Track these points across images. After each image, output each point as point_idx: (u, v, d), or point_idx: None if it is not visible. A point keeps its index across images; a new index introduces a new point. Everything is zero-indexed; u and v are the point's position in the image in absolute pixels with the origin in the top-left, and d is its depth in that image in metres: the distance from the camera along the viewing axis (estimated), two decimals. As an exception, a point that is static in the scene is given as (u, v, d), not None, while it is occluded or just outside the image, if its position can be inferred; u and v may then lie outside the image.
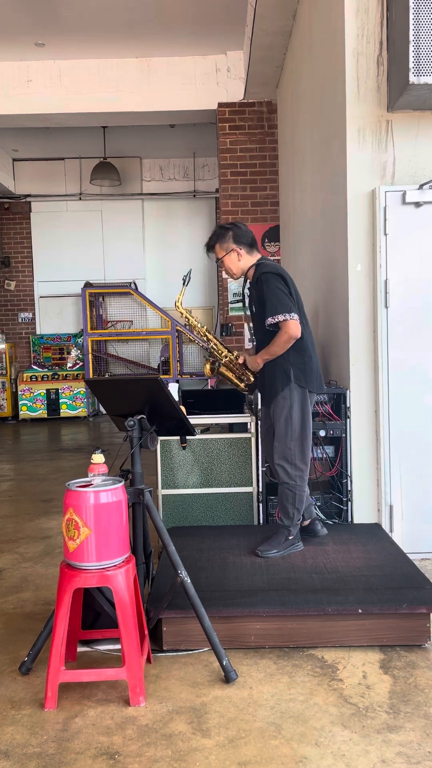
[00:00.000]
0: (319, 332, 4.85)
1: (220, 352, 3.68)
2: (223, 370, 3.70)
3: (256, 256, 3.53)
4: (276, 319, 3.28)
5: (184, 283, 3.63)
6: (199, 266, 11.87)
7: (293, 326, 3.27)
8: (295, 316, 3.28)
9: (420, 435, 3.94)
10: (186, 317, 3.73)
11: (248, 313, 3.61)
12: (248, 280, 3.57)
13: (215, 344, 3.70)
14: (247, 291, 3.62)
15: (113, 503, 2.48)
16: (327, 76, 4.46)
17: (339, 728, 2.32)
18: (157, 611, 2.82)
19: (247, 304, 3.60)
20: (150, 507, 2.81)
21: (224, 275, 8.14)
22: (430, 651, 2.85)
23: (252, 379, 3.67)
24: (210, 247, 3.59)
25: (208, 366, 3.71)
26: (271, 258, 8.12)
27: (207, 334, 3.72)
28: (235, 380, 3.72)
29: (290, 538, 3.46)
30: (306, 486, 3.52)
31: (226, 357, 3.67)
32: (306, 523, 3.62)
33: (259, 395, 3.68)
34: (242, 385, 3.72)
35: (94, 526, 2.44)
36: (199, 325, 3.71)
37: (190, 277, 3.61)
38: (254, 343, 3.61)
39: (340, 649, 2.87)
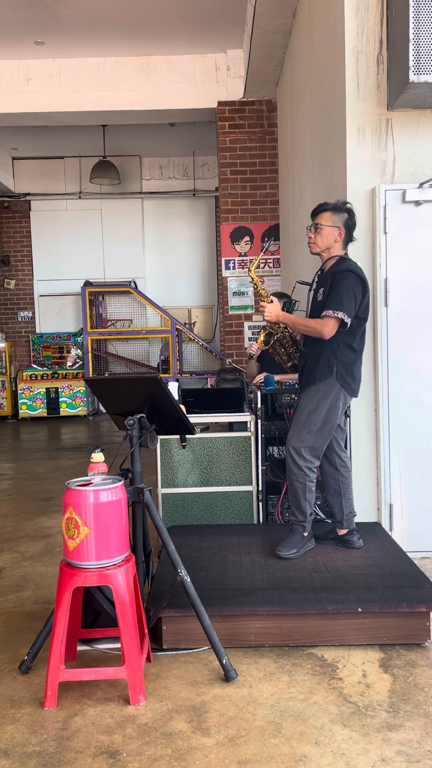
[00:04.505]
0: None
1: (278, 326, 3.63)
2: (276, 345, 3.66)
3: (343, 251, 3.46)
4: (332, 314, 3.24)
5: (263, 250, 3.72)
6: (199, 265, 11.87)
7: (332, 326, 3.26)
8: (347, 321, 3.25)
9: (420, 433, 3.94)
10: (255, 284, 3.68)
11: (311, 296, 3.53)
12: (323, 268, 3.47)
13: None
14: (316, 277, 3.53)
15: (113, 502, 2.48)
16: (327, 74, 4.46)
17: (339, 727, 2.32)
18: (157, 610, 2.82)
19: (313, 289, 3.51)
20: (150, 506, 2.81)
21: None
22: (429, 650, 2.85)
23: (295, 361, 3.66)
24: (320, 210, 3.44)
25: (262, 336, 3.64)
26: (271, 257, 8.16)
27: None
28: (284, 357, 3.68)
29: (305, 535, 3.44)
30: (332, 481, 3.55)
31: (281, 332, 3.62)
32: (343, 532, 3.57)
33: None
34: (289, 364, 3.68)
35: (94, 525, 2.44)
36: (264, 293, 3.61)
37: (270, 244, 3.66)
38: (300, 336, 3.58)
39: (339, 648, 2.87)
